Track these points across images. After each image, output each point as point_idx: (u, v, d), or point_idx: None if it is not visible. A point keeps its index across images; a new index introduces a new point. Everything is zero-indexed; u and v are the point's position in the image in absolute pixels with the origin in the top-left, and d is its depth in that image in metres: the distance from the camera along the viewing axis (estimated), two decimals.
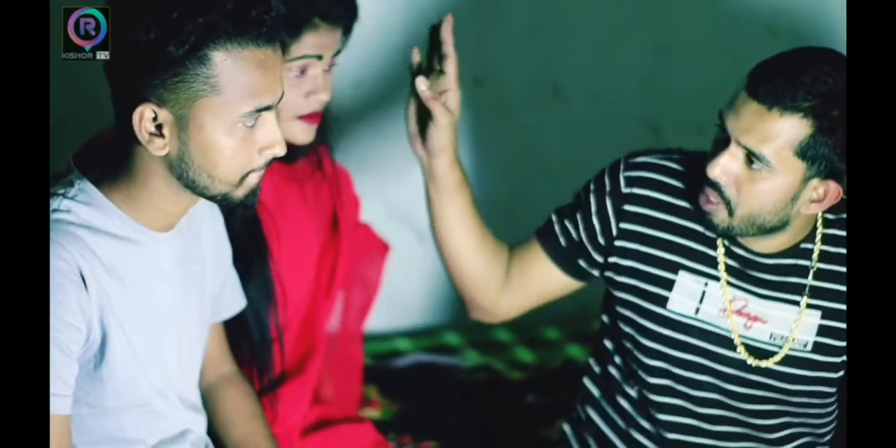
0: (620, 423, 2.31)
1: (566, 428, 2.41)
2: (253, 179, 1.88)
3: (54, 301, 1.81)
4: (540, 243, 2.32)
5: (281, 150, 1.87)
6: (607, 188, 2.24)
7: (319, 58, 2.27)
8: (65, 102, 2.65)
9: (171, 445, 2.03)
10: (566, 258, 2.30)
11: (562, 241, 2.29)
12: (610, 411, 2.32)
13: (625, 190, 2.23)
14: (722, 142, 2.08)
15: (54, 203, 1.87)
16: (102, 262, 1.87)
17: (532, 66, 3.26)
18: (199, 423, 2.09)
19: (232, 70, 1.80)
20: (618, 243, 2.23)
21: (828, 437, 2.31)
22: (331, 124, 2.49)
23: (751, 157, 2.04)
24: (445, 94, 2.22)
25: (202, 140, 1.83)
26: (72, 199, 1.88)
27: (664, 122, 3.29)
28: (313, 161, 2.48)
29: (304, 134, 2.30)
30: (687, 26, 3.26)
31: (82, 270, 1.85)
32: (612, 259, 2.24)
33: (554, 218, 2.31)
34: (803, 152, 2.03)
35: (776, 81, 2.02)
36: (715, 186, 2.08)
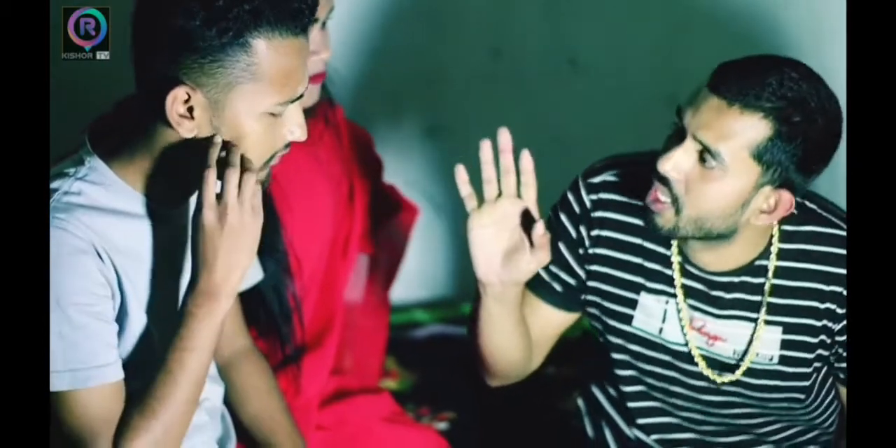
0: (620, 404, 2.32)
1: (580, 403, 2.42)
2: (275, 161, 1.90)
3: (79, 277, 1.83)
4: (536, 295, 2.23)
5: (302, 135, 1.89)
6: (577, 213, 2.20)
7: (316, 20, 2.28)
8: (65, 102, 2.65)
9: None
10: (565, 300, 2.24)
11: (556, 287, 2.23)
12: (612, 392, 2.33)
13: (593, 215, 2.18)
14: (676, 137, 2.02)
15: (65, 185, 1.87)
16: (115, 244, 1.88)
17: (549, 38, 3.25)
18: (216, 391, 2.10)
19: (272, 58, 1.81)
20: (588, 267, 2.21)
21: (827, 422, 2.27)
22: (336, 83, 2.50)
23: (705, 155, 1.97)
24: (535, 226, 2.03)
25: (235, 126, 1.84)
26: (82, 179, 1.88)
27: (681, 95, 3.27)
28: (320, 120, 2.48)
29: (309, 96, 2.31)
30: None
31: (96, 246, 1.85)
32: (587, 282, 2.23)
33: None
34: (760, 155, 1.96)
35: (741, 79, 1.96)
36: (664, 182, 2.01)
